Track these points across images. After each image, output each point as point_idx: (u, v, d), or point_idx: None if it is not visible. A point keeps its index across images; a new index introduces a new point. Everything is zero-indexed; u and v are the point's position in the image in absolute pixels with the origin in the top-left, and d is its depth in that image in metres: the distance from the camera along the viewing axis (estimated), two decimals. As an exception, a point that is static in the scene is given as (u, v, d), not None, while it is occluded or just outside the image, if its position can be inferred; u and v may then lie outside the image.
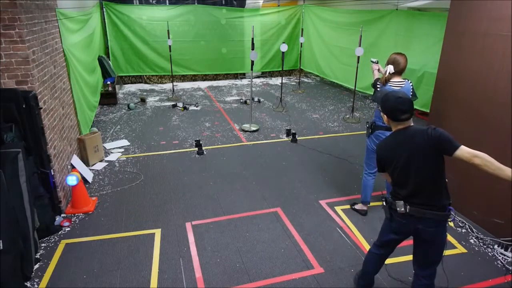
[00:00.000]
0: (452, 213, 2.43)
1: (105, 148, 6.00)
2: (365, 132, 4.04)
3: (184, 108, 8.31)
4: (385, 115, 2.51)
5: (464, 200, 3.96)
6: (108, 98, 8.55)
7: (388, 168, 2.59)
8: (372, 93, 9.04)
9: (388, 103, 2.45)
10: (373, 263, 2.92)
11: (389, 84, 3.67)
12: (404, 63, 3.64)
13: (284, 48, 8.25)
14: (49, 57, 4.22)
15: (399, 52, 3.75)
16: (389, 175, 2.63)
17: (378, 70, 4.14)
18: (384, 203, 2.64)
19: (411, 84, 3.73)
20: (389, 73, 3.64)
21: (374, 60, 4.22)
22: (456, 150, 2.28)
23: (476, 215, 3.94)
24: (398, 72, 3.66)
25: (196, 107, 8.53)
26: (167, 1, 10.88)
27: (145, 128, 7.07)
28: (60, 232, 3.82)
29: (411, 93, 3.72)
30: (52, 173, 3.94)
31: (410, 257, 3.48)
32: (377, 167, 2.75)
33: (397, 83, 3.67)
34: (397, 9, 8.16)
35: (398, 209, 2.49)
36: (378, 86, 3.76)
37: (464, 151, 2.27)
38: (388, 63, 3.69)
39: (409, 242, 3.71)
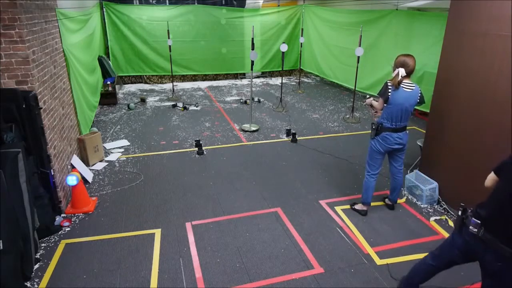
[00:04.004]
0: None
1: (105, 148, 6.00)
2: (369, 132, 4.01)
3: (184, 108, 8.31)
4: None
5: (467, 201, 3.96)
6: (108, 98, 8.55)
7: (499, 177, 2.27)
8: (371, 94, 9.04)
9: None
10: (422, 272, 2.72)
11: (401, 86, 3.65)
12: (413, 65, 3.64)
13: (284, 48, 8.25)
14: (49, 57, 4.22)
15: (406, 53, 3.73)
16: (494, 187, 2.30)
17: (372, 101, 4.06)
18: (460, 213, 2.37)
19: (419, 89, 3.74)
20: (401, 76, 3.61)
21: (367, 100, 4.11)
22: None
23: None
24: (408, 73, 3.65)
25: (196, 107, 8.53)
26: (167, 1, 10.88)
27: (145, 128, 7.08)
28: (60, 232, 3.82)
29: (418, 98, 3.72)
30: (52, 173, 3.94)
31: (410, 257, 3.49)
32: (497, 165, 2.34)
33: (408, 85, 3.67)
34: (397, 9, 8.16)
35: (470, 227, 2.25)
36: (389, 89, 3.67)
37: None
38: (397, 66, 3.67)
39: (410, 241, 3.73)
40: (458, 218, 2.39)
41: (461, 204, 2.46)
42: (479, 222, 2.22)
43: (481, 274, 2.37)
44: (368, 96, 4.14)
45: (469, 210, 2.36)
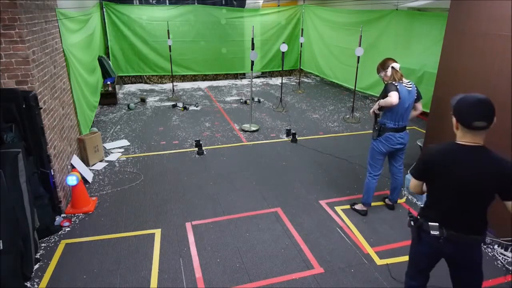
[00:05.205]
0: (489, 234, 2.21)
1: (105, 148, 6.00)
2: (370, 132, 3.99)
3: (184, 108, 8.31)
4: (454, 118, 2.14)
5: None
6: (108, 98, 8.55)
7: (433, 179, 2.24)
8: (371, 94, 9.04)
9: (463, 103, 2.08)
10: None
11: (402, 84, 3.67)
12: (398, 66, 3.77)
13: (284, 48, 8.25)
14: (49, 57, 4.22)
15: (387, 58, 3.83)
16: (429, 188, 2.31)
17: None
18: (412, 223, 2.34)
19: (415, 86, 3.80)
20: (399, 68, 3.70)
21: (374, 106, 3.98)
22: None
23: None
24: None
25: (196, 107, 8.53)
26: (167, 1, 10.89)
27: (145, 128, 7.08)
28: (60, 232, 3.82)
29: (416, 94, 3.75)
30: (52, 173, 3.94)
31: (410, 257, 3.49)
32: (416, 172, 2.34)
33: (407, 84, 3.71)
34: (397, 9, 8.16)
35: (431, 231, 2.22)
36: (396, 84, 3.65)
37: None
38: (385, 68, 3.75)
39: (410, 242, 3.72)
40: (413, 228, 2.36)
41: (408, 214, 2.43)
42: (437, 224, 2.20)
43: (452, 270, 2.37)
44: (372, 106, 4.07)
45: (417, 217, 2.35)
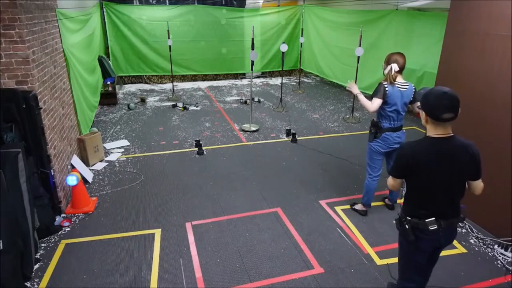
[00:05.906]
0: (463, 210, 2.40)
1: (105, 148, 6.00)
2: (368, 134, 3.96)
3: (184, 108, 8.31)
4: (423, 113, 2.20)
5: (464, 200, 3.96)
6: (108, 98, 8.55)
7: (415, 176, 2.27)
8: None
9: (430, 97, 2.13)
10: None
11: (396, 85, 3.65)
12: (404, 62, 3.66)
13: (284, 48, 8.25)
14: (49, 57, 4.22)
15: (396, 51, 3.75)
16: (412, 186, 2.34)
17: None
18: (407, 226, 2.34)
19: (413, 87, 3.75)
20: (395, 71, 3.64)
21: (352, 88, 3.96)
22: (479, 179, 2.28)
23: (469, 213, 3.90)
24: (399, 71, 3.67)
25: (196, 107, 8.53)
26: (167, 1, 10.89)
27: (145, 128, 7.08)
28: (60, 232, 3.83)
29: (412, 96, 3.72)
30: (52, 173, 3.94)
31: (410, 257, 3.48)
32: (397, 172, 2.37)
33: (402, 84, 3.67)
34: (397, 9, 8.16)
35: (430, 227, 2.26)
36: (386, 87, 3.64)
37: (480, 185, 2.31)
38: (388, 63, 3.69)
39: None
40: (408, 230, 2.34)
41: (400, 217, 2.43)
42: (433, 218, 2.26)
43: (433, 258, 2.50)
44: (349, 81, 4.08)
45: (408, 218, 2.35)
